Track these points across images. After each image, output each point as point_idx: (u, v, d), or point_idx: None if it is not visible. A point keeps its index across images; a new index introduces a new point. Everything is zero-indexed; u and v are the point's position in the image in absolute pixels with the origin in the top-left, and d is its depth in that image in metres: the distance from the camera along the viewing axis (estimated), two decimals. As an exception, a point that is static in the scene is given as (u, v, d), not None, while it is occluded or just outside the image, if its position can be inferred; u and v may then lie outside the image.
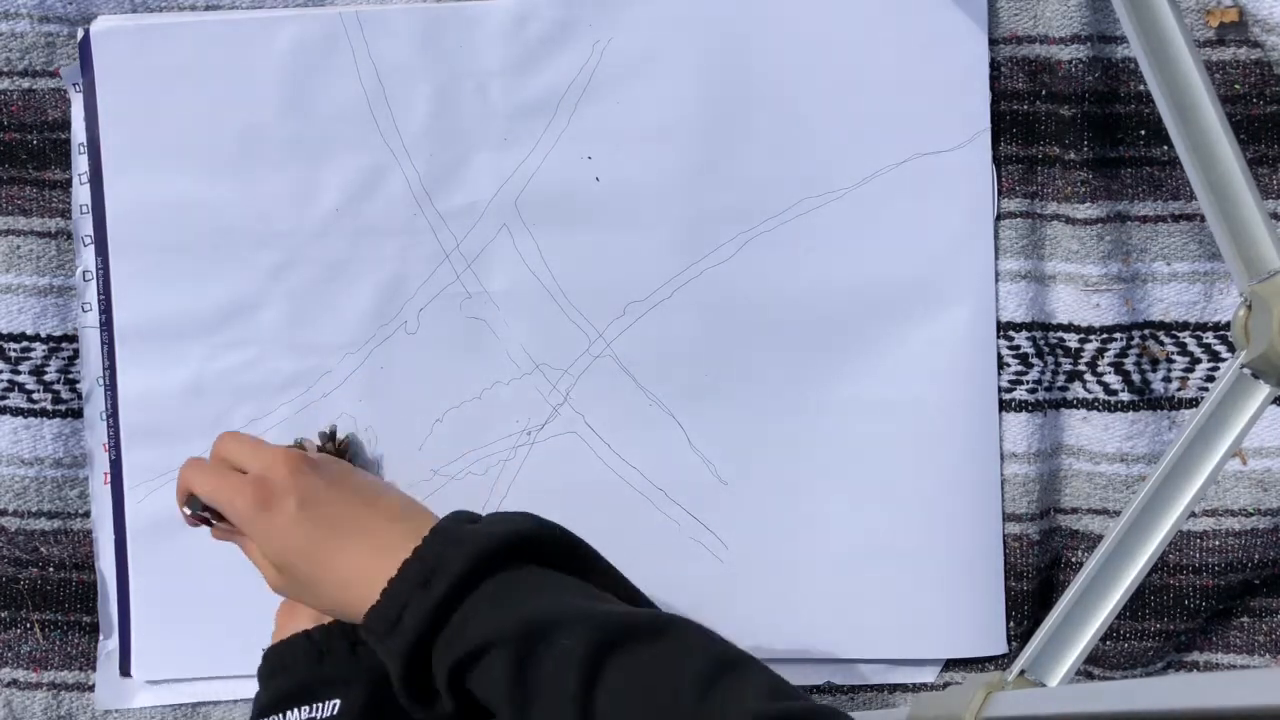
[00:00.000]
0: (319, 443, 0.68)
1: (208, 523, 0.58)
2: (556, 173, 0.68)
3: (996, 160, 0.67)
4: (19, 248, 0.69)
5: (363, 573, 0.46)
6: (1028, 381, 0.68)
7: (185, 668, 0.70)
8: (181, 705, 0.70)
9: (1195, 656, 0.70)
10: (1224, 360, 0.68)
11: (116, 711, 0.70)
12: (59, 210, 0.69)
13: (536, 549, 0.47)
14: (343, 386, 0.69)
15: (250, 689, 0.70)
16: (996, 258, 0.68)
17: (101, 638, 0.70)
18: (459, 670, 0.44)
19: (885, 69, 0.66)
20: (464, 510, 0.49)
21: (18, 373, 0.70)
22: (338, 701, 0.51)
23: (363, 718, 0.50)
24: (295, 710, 0.51)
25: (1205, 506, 0.68)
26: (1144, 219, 0.68)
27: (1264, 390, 0.54)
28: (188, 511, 0.58)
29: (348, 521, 0.49)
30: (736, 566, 0.69)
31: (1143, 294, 0.68)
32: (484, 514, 0.51)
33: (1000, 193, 0.68)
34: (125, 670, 0.70)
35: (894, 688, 0.69)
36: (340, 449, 0.68)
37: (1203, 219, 0.67)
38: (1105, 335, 0.68)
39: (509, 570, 0.45)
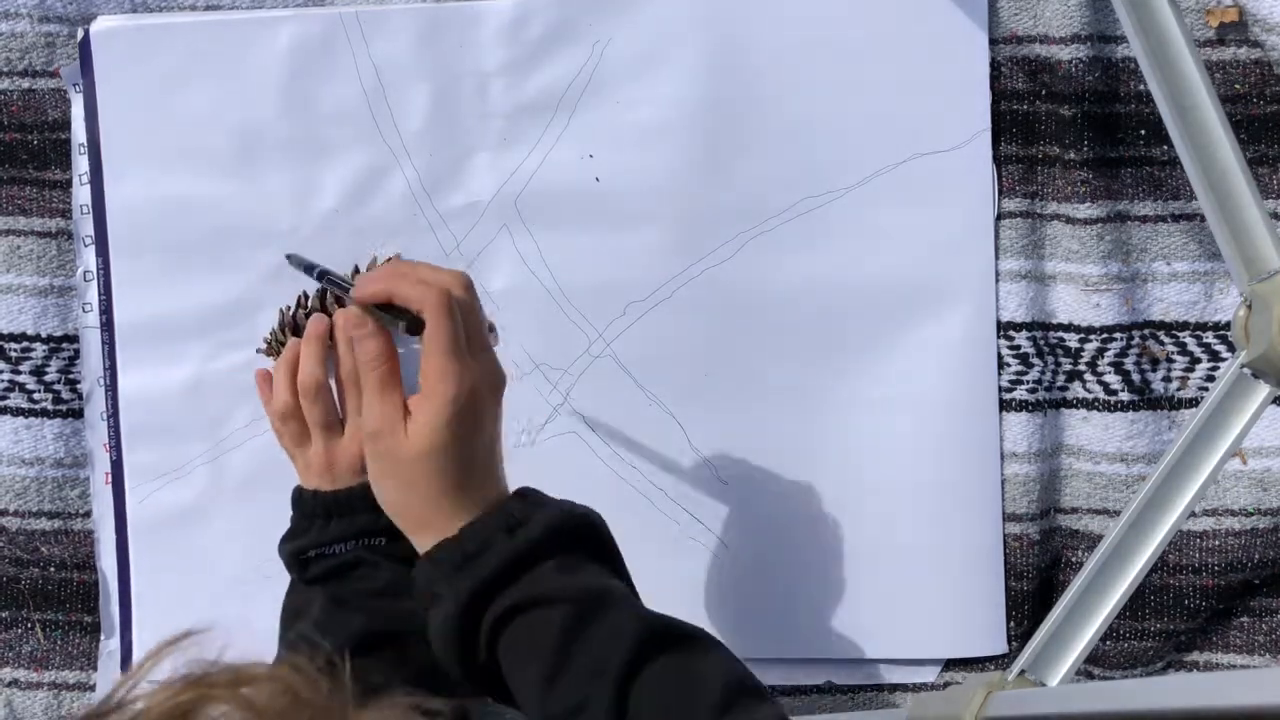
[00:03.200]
0: None
1: (386, 322, 0.49)
2: (556, 173, 0.68)
3: (997, 160, 0.67)
4: (19, 248, 0.69)
5: (454, 509, 0.49)
6: (1028, 381, 0.68)
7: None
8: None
9: (1195, 656, 0.70)
10: (1224, 360, 0.68)
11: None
12: (59, 210, 0.69)
13: (601, 540, 0.51)
14: (343, 386, 0.69)
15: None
16: (997, 257, 0.68)
17: (103, 637, 0.70)
18: (510, 615, 0.47)
19: (886, 69, 0.66)
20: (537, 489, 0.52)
21: (18, 373, 0.70)
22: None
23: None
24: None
25: (1205, 506, 0.68)
26: (1144, 219, 0.68)
27: (1264, 390, 0.54)
28: (366, 312, 0.49)
29: (485, 456, 0.50)
30: (736, 566, 0.69)
31: (1143, 294, 0.68)
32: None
33: (1000, 192, 0.68)
34: (126, 670, 0.70)
35: (894, 688, 0.69)
36: None
37: (1203, 219, 0.67)
38: (1105, 335, 0.68)
39: (573, 552, 0.49)
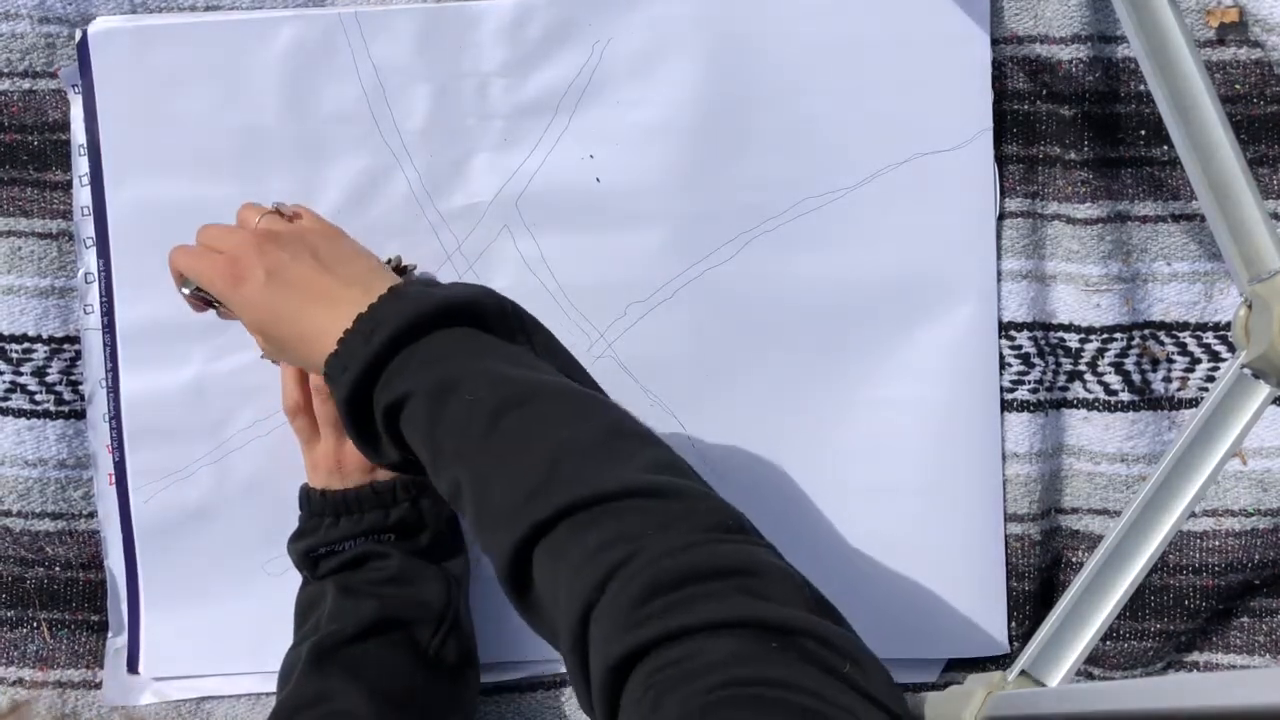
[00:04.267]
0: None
1: (210, 305, 0.60)
2: (557, 173, 0.68)
3: (998, 160, 0.67)
4: (20, 249, 0.69)
5: (323, 330, 0.52)
6: (1029, 381, 0.68)
7: (191, 665, 0.70)
8: (185, 701, 0.70)
9: (1195, 656, 0.70)
10: (1224, 360, 0.68)
11: (122, 707, 0.71)
12: (60, 211, 0.69)
13: (478, 315, 0.52)
14: (344, 387, 0.69)
15: (253, 685, 0.70)
16: (999, 257, 0.68)
17: (110, 635, 0.70)
18: (391, 415, 0.50)
19: (887, 69, 0.66)
20: (429, 278, 0.54)
21: (20, 374, 0.70)
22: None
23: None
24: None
25: (1205, 506, 0.68)
26: (1144, 219, 0.68)
27: (1264, 390, 0.54)
28: (186, 292, 0.60)
29: (309, 287, 0.54)
30: (738, 566, 0.69)
31: (1143, 294, 0.68)
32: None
33: (1001, 192, 0.68)
34: (133, 667, 0.70)
35: (894, 687, 0.70)
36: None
37: (1203, 219, 0.67)
38: (1105, 335, 0.68)
39: (444, 331, 0.50)
